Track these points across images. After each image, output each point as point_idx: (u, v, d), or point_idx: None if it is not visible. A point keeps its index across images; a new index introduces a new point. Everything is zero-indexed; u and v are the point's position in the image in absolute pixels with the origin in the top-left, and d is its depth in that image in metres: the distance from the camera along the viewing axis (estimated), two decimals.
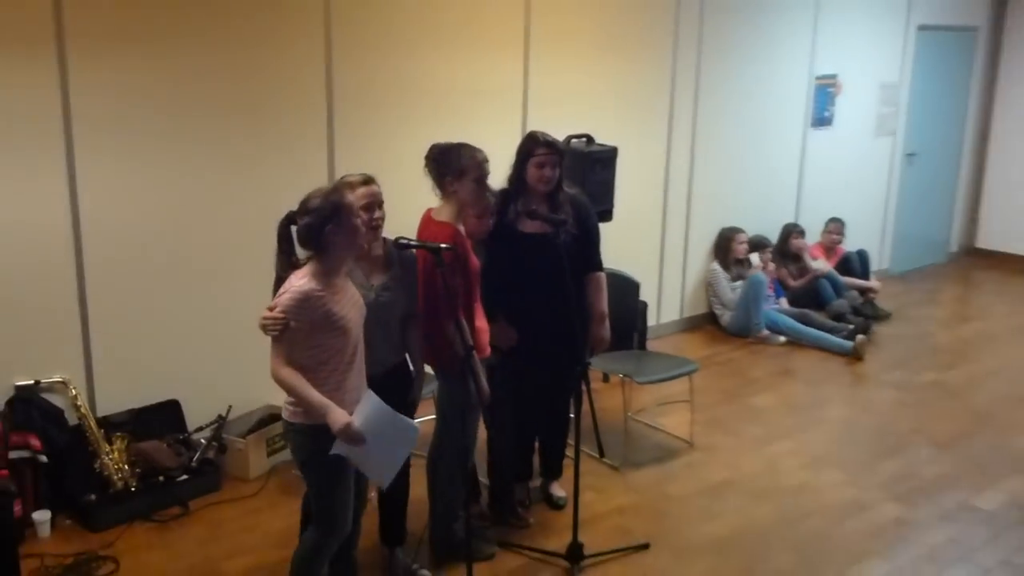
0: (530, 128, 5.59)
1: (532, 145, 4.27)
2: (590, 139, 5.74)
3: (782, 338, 7.49)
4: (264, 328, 3.19)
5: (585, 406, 4.23)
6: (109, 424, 4.77)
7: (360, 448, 3.25)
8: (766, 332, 7.51)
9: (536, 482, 4.86)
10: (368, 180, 3.65)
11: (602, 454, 5.24)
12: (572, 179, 4.77)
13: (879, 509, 4.86)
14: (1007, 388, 6.64)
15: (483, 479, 4.70)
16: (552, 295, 4.08)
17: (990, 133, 10.45)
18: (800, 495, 4.99)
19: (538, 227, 4.21)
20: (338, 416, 3.20)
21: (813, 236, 8.49)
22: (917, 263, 10.09)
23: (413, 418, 3.83)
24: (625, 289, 5.64)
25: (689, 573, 4.23)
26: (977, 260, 10.56)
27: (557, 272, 3.97)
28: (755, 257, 7.75)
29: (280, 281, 3.31)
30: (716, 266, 7.76)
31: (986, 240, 10.66)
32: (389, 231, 3.62)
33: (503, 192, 4.33)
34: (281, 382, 3.23)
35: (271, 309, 3.19)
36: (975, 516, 4.82)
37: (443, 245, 3.58)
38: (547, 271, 4.08)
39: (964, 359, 7.29)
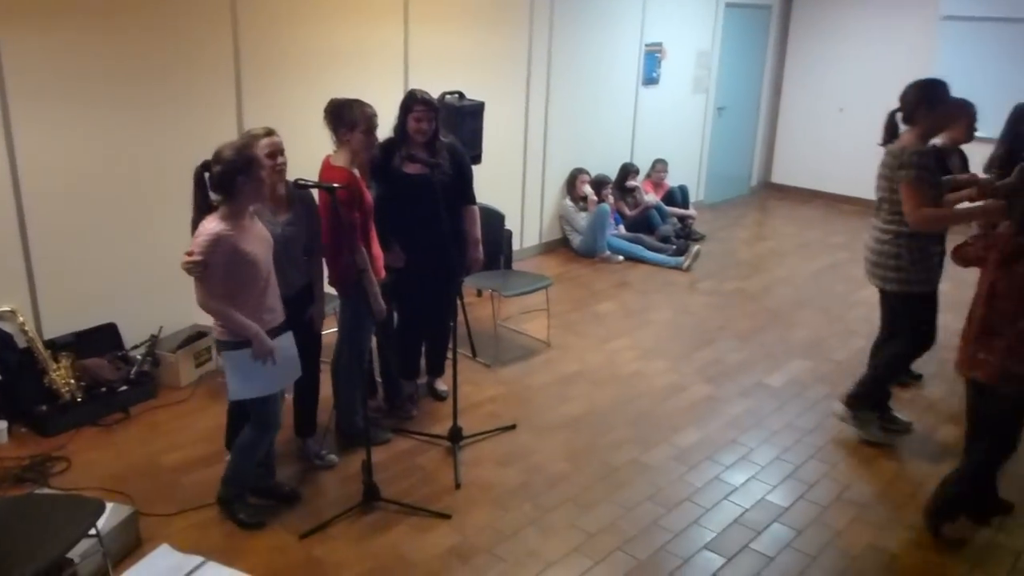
0: (411, 85, 5.49)
1: (411, 102, 4.18)
2: (461, 95, 5.66)
3: (620, 257, 7.62)
4: (187, 271, 3.12)
5: (460, 316, 4.25)
6: (55, 345, 4.54)
7: (264, 364, 3.32)
8: (608, 253, 7.62)
9: (423, 379, 4.87)
10: (270, 132, 3.54)
11: (475, 354, 5.31)
12: (447, 128, 4.71)
13: (694, 389, 5.06)
14: (792, 293, 6.93)
15: (379, 379, 4.68)
16: (432, 225, 4.05)
17: (782, 91, 10.72)
18: (633, 381, 5.14)
19: (418, 169, 4.15)
20: (266, 342, 3.28)
21: (644, 174, 8.61)
22: (725, 195, 10.34)
23: (319, 330, 3.91)
24: (493, 219, 5.63)
25: (547, 446, 4.34)
26: (772, 192, 10.89)
27: (435, 206, 3.93)
28: (587, 188, 7.77)
29: (197, 219, 3.22)
30: (568, 202, 7.80)
31: (779, 176, 10.99)
32: (294, 175, 3.53)
33: (389, 140, 4.24)
34: (211, 313, 3.22)
35: (189, 254, 3.11)
36: (766, 391, 5.06)
37: (335, 185, 3.51)
38: (427, 205, 4.04)
39: (760, 270, 7.56)
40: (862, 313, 6.39)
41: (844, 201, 10.18)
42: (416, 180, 4.18)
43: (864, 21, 9.84)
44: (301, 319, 3.70)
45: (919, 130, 4.09)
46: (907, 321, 4.32)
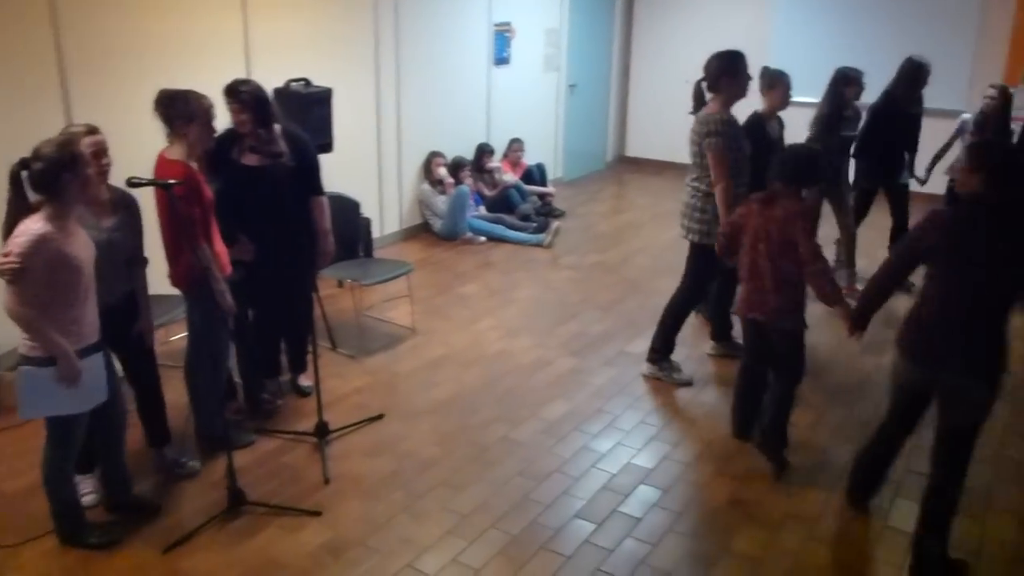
0: (254, 75, 5.31)
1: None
2: (308, 82, 5.51)
3: (483, 238, 7.64)
4: (0, 273, 2.89)
5: (318, 308, 4.15)
6: None
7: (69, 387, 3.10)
8: (470, 234, 7.63)
9: (285, 376, 4.75)
10: (93, 130, 3.34)
11: (334, 346, 5.23)
12: (293, 118, 4.57)
13: (559, 363, 5.14)
14: (650, 262, 7.13)
15: (238, 380, 4.52)
16: (276, 217, 3.94)
17: (630, 66, 11.00)
18: (500, 360, 5.18)
19: (257, 160, 4.01)
20: (74, 365, 3.06)
21: (501, 154, 8.65)
22: (583, 171, 10.51)
23: (151, 344, 3.72)
24: (347, 208, 5.52)
25: (416, 432, 4.31)
26: (627, 166, 11.16)
27: (278, 197, 3.82)
28: (442, 171, 7.73)
29: (10, 222, 2.99)
30: (426, 186, 7.75)
31: (633, 150, 11.28)
32: (132, 171, 3.33)
33: (227, 131, 4.08)
34: (19, 321, 2.97)
35: (6, 255, 2.89)
36: (629, 359, 5.20)
37: (171, 181, 3.35)
38: (269, 197, 3.92)
39: (619, 242, 7.75)
40: None
41: None
42: (256, 172, 4.04)
43: None
44: (127, 331, 3.53)
45: (722, 98, 4.48)
46: (693, 270, 4.76)
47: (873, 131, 6.01)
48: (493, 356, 5.22)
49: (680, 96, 10.45)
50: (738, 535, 3.55)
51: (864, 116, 6.08)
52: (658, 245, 7.59)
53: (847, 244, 6.31)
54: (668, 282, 6.48)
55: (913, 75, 5.95)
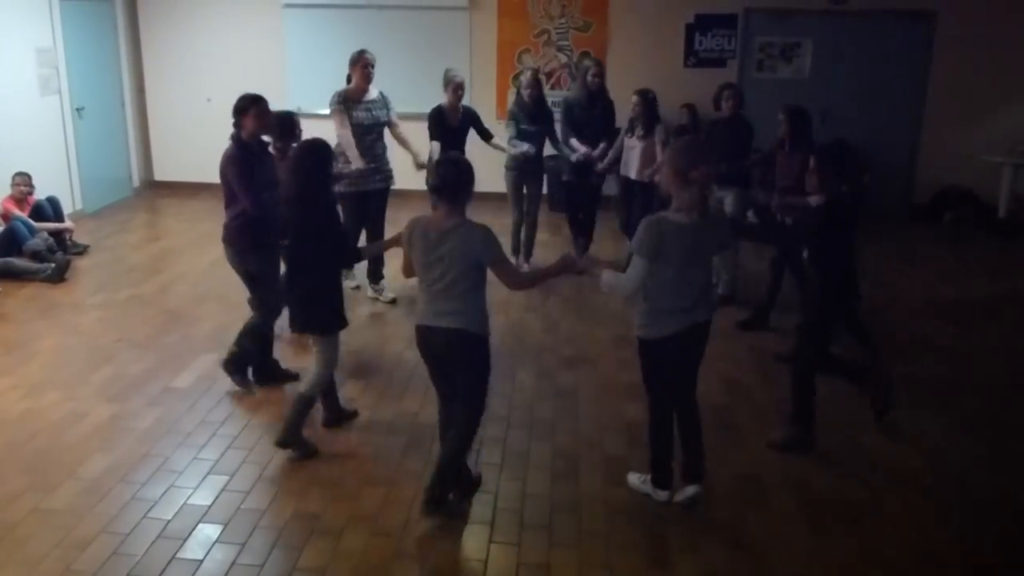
0: None
1: None
2: None
3: None
4: None
5: None
6: None
7: None
8: None
9: None
10: None
11: None
12: None
13: (96, 412, 4.67)
14: (191, 289, 6.79)
15: None
16: None
17: (145, 85, 10.37)
18: (24, 421, 4.56)
19: None
20: None
21: (5, 190, 7.58)
22: (107, 200, 9.62)
23: None
24: None
25: None
26: (158, 190, 10.48)
27: None
28: None
29: None
30: None
31: (162, 173, 10.63)
32: None
33: None
34: None
35: None
36: (175, 395, 4.92)
37: None
38: None
39: (155, 272, 7.26)
40: None
41: None
42: None
43: (212, 11, 9.99)
44: None
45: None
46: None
47: None
48: (15, 420, 4.57)
49: (205, 114, 10.20)
50: (305, 550, 3.56)
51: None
52: (198, 270, 7.27)
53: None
54: (211, 307, 6.31)
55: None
